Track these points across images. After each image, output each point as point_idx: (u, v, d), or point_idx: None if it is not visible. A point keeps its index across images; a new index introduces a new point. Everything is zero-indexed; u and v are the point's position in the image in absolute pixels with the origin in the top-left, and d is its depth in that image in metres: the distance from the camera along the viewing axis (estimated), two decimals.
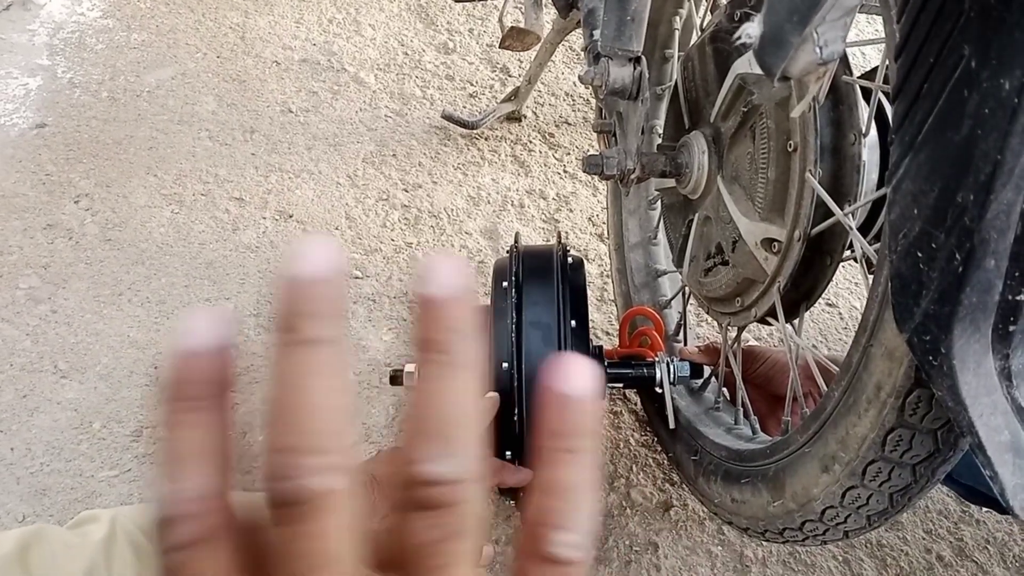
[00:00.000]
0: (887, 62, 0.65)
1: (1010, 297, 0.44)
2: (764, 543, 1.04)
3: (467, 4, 1.95)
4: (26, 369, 1.21)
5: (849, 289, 1.39)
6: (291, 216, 1.47)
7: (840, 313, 1.36)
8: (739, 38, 0.46)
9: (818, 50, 0.43)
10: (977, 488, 0.86)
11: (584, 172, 0.87)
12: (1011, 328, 0.45)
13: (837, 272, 0.75)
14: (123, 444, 1.13)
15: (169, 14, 1.95)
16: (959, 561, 1.03)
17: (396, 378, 0.99)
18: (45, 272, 1.35)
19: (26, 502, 1.05)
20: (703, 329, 1.30)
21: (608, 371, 0.95)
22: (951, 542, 1.05)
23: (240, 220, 1.46)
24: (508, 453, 0.88)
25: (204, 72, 1.79)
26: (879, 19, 1.83)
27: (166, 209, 1.47)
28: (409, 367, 0.96)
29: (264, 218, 1.46)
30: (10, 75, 1.76)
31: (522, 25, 1.43)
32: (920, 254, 0.46)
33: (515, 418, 0.86)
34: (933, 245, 0.44)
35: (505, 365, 0.87)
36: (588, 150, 1.62)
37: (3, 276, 1.34)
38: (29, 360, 1.22)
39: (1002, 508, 0.89)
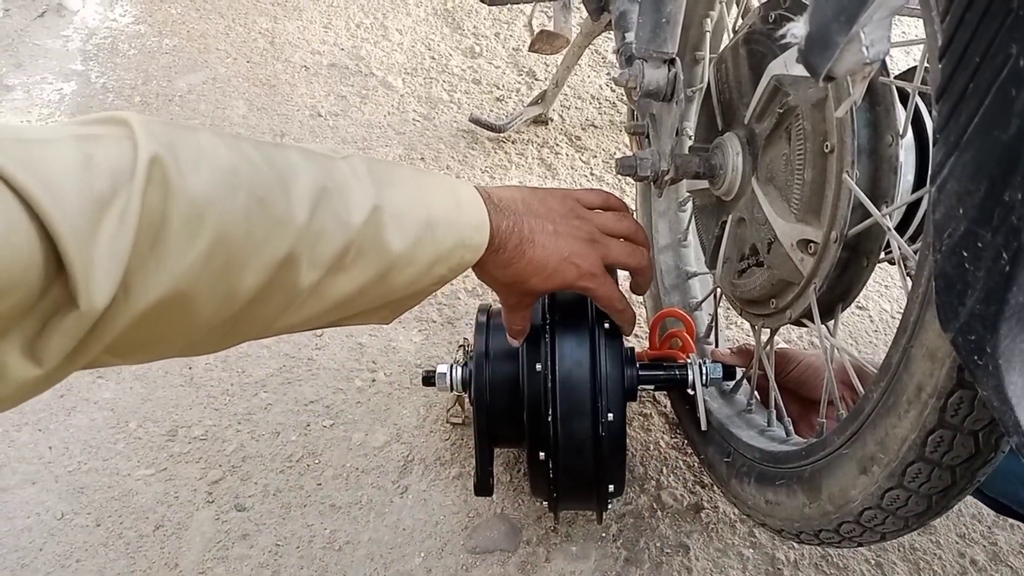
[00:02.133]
0: (924, 63, 0.66)
1: None
2: (796, 545, 1.03)
3: (494, 8, 1.96)
4: None
5: (879, 292, 1.39)
6: None
7: (870, 316, 1.35)
8: (783, 38, 0.46)
9: (865, 49, 0.43)
10: (1005, 502, 0.85)
11: (618, 174, 0.87)
12: None
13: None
14: (159, 443, 1.14)
15: (200, 20, 1.97)
16: (993, 566, 1.03)
17: (428, 379, 1.00)
18: None
19: (64, 500, 1.07)
20: (732, 332, 1.30)
21: (640, 373, 0.95)
22: (985, 547, 1.04)
23: None
24: (542, 454, 0.88)
25: (234, 77, 1.81)
26: (906, 21, 1.82)
27: None
28: (441, 368, 0.97)
29: None
30: (45, 80, 1.79)
31: (551, 28, 1.44)
32: (966, 254, 0.46)
33: (548, 419, 0.86)
34: (979, 244, 0.44)
35: (538, 367, 0.88)
36: (615, 153, 1.62)
37: None
38: None
39: None
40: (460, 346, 1.05)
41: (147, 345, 0.49)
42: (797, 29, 0.45)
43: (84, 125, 0.46)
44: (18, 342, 0.41)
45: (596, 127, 1.69)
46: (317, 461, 1.13)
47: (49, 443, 1.14)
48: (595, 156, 1.62)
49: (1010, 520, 1.07)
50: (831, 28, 0.44)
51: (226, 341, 0.56)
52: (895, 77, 0.69)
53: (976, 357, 0.47)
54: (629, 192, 1.52)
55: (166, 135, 0.46)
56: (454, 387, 0.97)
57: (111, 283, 0.42)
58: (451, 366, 0.97)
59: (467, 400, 1.10)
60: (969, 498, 1.07)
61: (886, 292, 1.39)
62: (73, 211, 0.40)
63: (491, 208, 0.70)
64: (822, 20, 0.44)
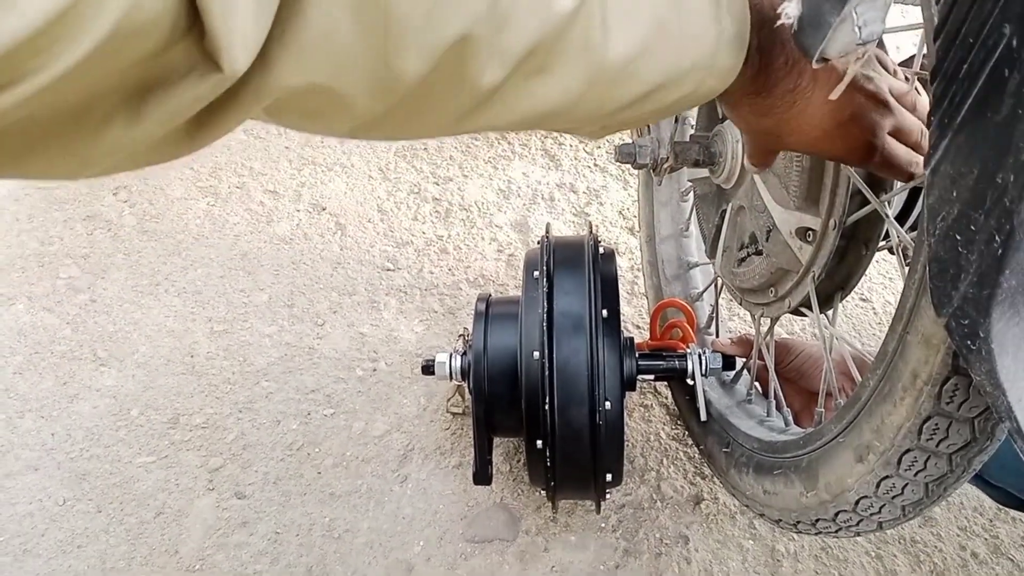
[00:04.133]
0: (923, 49, 0.65)
1: None
2: (796, 537, 1.03)
3: None
4: (66, 357, 1.24)
5: (883, 284, 1.38)
6: (324, 209, 1.48)
7: (874, 308, 1.34)
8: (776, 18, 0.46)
9: (857, 30, 0.43)
10: (1011, 492, 0.85)
11: (617, 161, 0.87)
12: None
13: (871, 267, 0.74)
14: (160, 431, 1.15)
15: None
16: (994, 559, 1.02)
17: (428, 368, 1.00)
18: (85, 262, 1.37)
19: (66, 486, 1.08)
20: (734, 323, 1.29)
21: (639, 363, 0.95)
22: (986, 539, 1.04)
23: (274, 212, 1.48)
24: (540, 443, 0.88)
25: None
26: (913, 11, 1.81)
27: (202, 201, 1.49)
28: (440, 357, 0.97)
29: (298, 211, 1.48)
30: None
31: None
32: (959, 237, 0.45)
33: (546, 407, 0.86)
34: (972, 228, 0.44)
35: (536, 355, 0.87)
36: (618, 142, 1.61)
37: (44, 266, 1.36)
38: (69, 348, 1.25)
39: None
40: (460, 335, 1.05)
41: (308, 114, 0.40)
42: (790, 9, 0.44)
43: None
44: (135, 101, 0.33)
45: None
46: (317, 450, 1.13)
47: (51, 430, 1.14)
48: (599, 147, 1.61)
49: (1012, 513, 1.06)
50: (823, 8, 0.43)
51: (402, 131, 0.45)
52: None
53: (969, 342, 0.46)
54: (632, 182, 1.52)
55: None
56: (453, 376, 0.97)
57: (252, 45, 0.34)
58: (450, 355, 0.97)
59: (467, 389, 1.10)
60: (971, 490, 1.07)
61: (890, 284, 1.38)
62: None
63: (759, 21, 0.48)
64: (815, 0, 0.44)
